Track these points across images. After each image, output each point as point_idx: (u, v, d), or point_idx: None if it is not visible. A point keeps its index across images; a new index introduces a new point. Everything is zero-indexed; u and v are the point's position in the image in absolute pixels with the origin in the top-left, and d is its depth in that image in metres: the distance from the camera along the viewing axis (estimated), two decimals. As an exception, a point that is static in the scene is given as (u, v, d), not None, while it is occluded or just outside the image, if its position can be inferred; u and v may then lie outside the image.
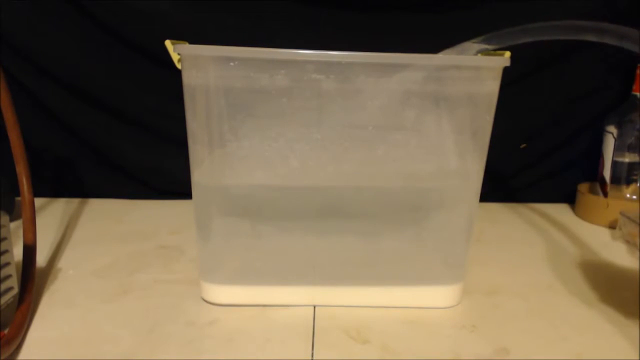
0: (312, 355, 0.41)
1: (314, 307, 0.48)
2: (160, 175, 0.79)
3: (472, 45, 0.44)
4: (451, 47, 0.45)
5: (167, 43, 0.42)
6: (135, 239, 0.64)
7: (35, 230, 0.50)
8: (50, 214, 0.72)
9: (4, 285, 0.42)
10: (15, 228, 0.58)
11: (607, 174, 0.73)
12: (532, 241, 0.67)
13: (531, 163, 0.80)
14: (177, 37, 0.43)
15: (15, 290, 0.44)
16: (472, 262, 0.51)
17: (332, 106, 0.43)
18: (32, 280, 0.47)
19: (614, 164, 0.72)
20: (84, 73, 0.73)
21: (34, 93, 0.74)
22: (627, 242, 0.66)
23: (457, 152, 0.46)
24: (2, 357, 0.39)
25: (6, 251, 0.43)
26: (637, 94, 0.71)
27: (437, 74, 0.42)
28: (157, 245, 0.62)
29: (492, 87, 0.44)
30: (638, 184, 0.72)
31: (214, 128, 0.43)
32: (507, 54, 0.43)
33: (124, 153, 0.78)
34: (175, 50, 0.42)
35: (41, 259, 0.57)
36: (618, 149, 0.72)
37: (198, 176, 0.46)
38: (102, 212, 0.75)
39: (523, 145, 0.79)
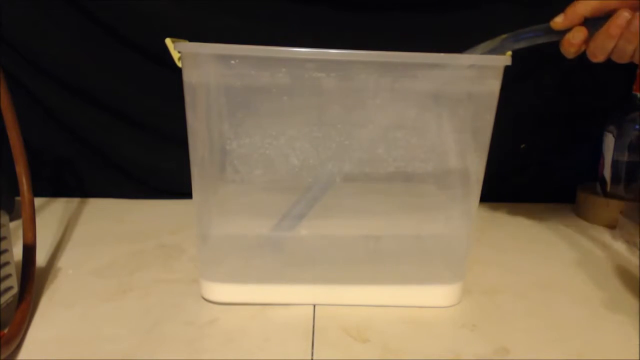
0: (312, 355, 0.41)
1: (314, 306, 0.48)
2: (160, 175, 0.79)
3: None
4: (471, 47, 0.45)
5: (168, 41, 0.42)
6: (135, 238, 0.64)
7: (35, 229, 0.50)
8: (50, 214, 0.72)
9: (4, 285, 0.42)
10: (15, 228, 0.58)
11: (607, 173, 0.73)
12: (532, 241, 0.67)
13: (531, 163, 0.80)
14: (177, 36, 0.43)
15: (15, 290, 0.44)
16: (472, 262, 0.51)
17: (333, 104, 0.43)
18: (31, 280, 0.47)
19: (614, 164, 0.72)
20: (84, 73, 0.73)
21: (33, 93, 0.74)
22: (627, 242, 0.65)
23: (458, 151, 0.46)
24: (2, 357, 0.39)
25: (6, 250, 0.43)
26: (637, 94, 0.71)
27: (454, 73, 0.42)
28: (157, 244, 0.62)
29: (493, 86, 0.44)
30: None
31: (214, 126, 0.43)
32: (508, 52, 0.43)
33: (124, 153, 0.78)
34: (175, 48, 0.42)
35: (41, 259, 0.57)
36: (618, 149, 0.71)
37: (198, 175, 0.46)
38: (102, 211, 0.75)
39: (523, 145, 0.79)
